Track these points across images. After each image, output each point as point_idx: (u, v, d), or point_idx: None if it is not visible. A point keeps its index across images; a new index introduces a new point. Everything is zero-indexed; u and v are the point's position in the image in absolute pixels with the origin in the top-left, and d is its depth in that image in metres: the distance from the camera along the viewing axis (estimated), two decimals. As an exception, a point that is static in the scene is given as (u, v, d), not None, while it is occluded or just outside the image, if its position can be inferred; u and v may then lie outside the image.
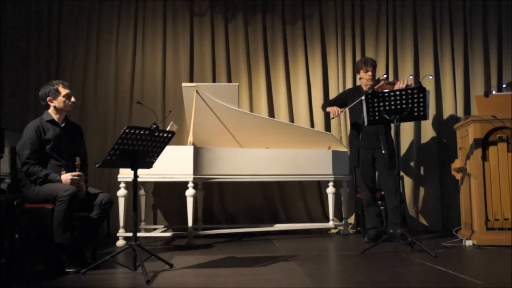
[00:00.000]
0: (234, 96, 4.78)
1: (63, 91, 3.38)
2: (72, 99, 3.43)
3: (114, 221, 4.55)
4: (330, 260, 3.65)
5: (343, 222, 5.10)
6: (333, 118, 4.77)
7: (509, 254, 3.55)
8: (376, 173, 5.15)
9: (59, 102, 3.38)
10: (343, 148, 5.13)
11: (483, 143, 4.02)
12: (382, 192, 4.85)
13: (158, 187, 5.39)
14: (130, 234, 3.37)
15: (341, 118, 5.58)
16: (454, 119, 5.52)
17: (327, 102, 4.87)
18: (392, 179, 4.27)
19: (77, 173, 3.25)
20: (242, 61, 5.66)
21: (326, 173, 4.86)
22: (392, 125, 4.31)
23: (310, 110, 5.64)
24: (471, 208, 4.11)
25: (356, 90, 4.66)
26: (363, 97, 3.96)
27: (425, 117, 3.85)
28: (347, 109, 4.62)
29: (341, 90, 5.57)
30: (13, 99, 5.30)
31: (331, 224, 4.95)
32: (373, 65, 4.53)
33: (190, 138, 4.61)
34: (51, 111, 3.41)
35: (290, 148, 4.88)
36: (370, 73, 4.48)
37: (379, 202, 5.03)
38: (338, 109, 4.52)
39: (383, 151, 4.37)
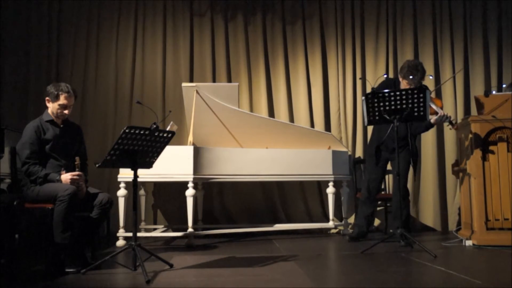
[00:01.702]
0: (234, 96, 4.78)
1: (62, 101, 3.34)
2: (66, 111, 3.38)
3: (114, 221, 4.55)
4: (330, 260, 3.66)
5: (343, 222, 5.10)
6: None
7: (509, 254, 3.55)
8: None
9: (52, 107, 3.37)
10: (343, 148, 5.13)
11: (483, 143, 4.02)
12: (383, 192, 4.86)
13: (158, 187, 5.38)
14: (130, 234, 3.37)
15: (341, 118, 5.58)
16: (454, 119, 5.52)
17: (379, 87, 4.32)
18: (396, 181, 4.23)
19: (77, 173, 3.25)
20: (242, 61, 5.66)
21: (326, 173, 4.85)
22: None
23: (310, 110, 5.64)
24: (471, 208, 4.11)
25: (393, 84, 4.28)
26: (363, 98, 3.92)
27: (425, 117, 3.83)
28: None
29: (341, 90, 5.59)
30: (13, 99, 5.30)
31: (331, 224, 4.94)
32: (421, 80, 4.09)
33: (190, 138, 4.61)
34: (50, 111, 3.41)
35: (290, 148, 4.88)
36: (413, 86, 4.04)
37: (379, 202, 5.04)
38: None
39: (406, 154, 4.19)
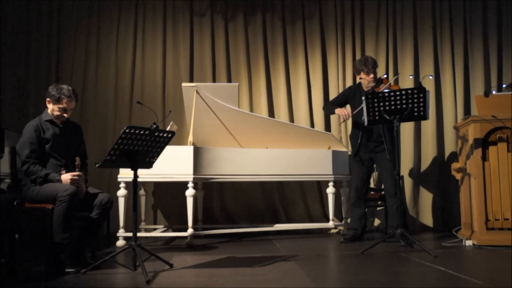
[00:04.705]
0: (234, 96, 4.78)
1: (63, 104, 3.33)
2: (66, 114, 3.38)
3: (114, 221, 4.55)
4: (330, 260, 3.66)
5: (343, 222, 5.10)
6: (343, 121, 4.62)
7: (509, 254, 3.55)
8: (376, 174, 5.17)
9: (52, 108, 3.36)
10: (343, 148, 5.13)
11: (483, 143, 4.02)
12: (382, 192, 4.86)
13: (158, 187, 5.38)
14: (130, 234, 3.37)
15: (341, 118, 5.56)
16: (454, 119, 5.52)
17: (327, 104, 4.76)
18: (392, 181, 4.25)
19: (77, 173, 3.25)
20: (242, 61, 5.66)
21: (326, 173, 4.85)
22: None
23: (310, 110, 5.64)
24: (471, 208, 4.11)
25: (357, 88, 4.52)
26: (363, 98, 3.94)
27: (425, 117, 3.85)
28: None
29: (341, 90, 5.56)
30: (13, 99, 5.30)
31: (331, 224, 4.94)
32: (375, 67, 4.38)
33: (190, 138, 4.61)
34: (49, 111, 3.40)
35: (290, 148, 4.88)
36: (372, 75, 4.34)
37: (379, 202, 5.04)
38: (349, 112, 4.38)
39: (387, 153, 4.28)
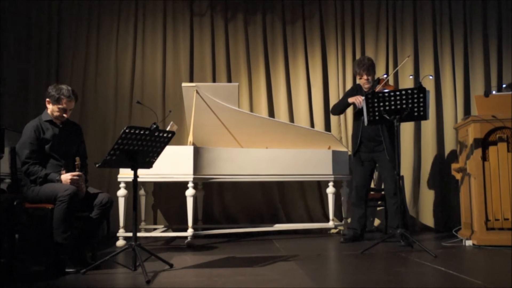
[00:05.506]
0: (234, 96, 4.78)
1: (62, 105, 3.33)
2: (65, 114, 3.38)
3: (114, 221, 4.54)
4: (330, 260, 3.66)
5: (343, 222, 5.10)
6: (358, 109, 4.50)
7: (509, 254, 3.55)
8: (376, 174, 5.16)
9: (52, 109, 3.36)
10: (343, 148, 5.13)
11: (483, 143, 4.02)
12: (383, 192, 4.86)
13: (158, 187, 5.38)
14: (130, 234, 3.37)
15: (341, 118, 5.57)
16: (454, 119, 5.52)
17: (334, 105, 4.72)
18: (392, 181, 4.25)
19: (77, 173, 3.24)
20: (242, 61, 5.66)
21: (326, 173, 4.85)
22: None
23: (310, 110, 5.64)
24: (471, 208, 4.11)
25: (359, 88, 4.52)
26: (363, 98, 3.94)
27: (425, 117, 3.85)
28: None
29: (341, 90, 5.57)
30: (13, 99, 5.30)
31: (331, 224, 4.94)
32: (369, 69, 4.34)
33: (190, 138, 4.61)
34: (49, 111, 3.40)
35: (290, 148, 4.88)
36: (365, 76, 4.35)
37: (379, 202, 5.05)
38: (361, 98, 4.25)
39: (386, 153, 4.30)
